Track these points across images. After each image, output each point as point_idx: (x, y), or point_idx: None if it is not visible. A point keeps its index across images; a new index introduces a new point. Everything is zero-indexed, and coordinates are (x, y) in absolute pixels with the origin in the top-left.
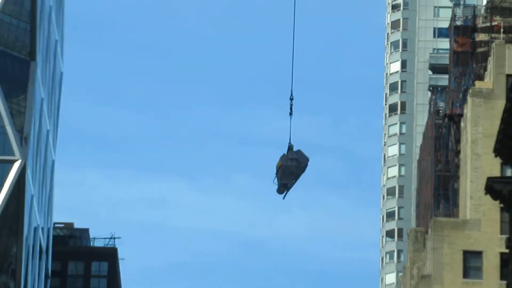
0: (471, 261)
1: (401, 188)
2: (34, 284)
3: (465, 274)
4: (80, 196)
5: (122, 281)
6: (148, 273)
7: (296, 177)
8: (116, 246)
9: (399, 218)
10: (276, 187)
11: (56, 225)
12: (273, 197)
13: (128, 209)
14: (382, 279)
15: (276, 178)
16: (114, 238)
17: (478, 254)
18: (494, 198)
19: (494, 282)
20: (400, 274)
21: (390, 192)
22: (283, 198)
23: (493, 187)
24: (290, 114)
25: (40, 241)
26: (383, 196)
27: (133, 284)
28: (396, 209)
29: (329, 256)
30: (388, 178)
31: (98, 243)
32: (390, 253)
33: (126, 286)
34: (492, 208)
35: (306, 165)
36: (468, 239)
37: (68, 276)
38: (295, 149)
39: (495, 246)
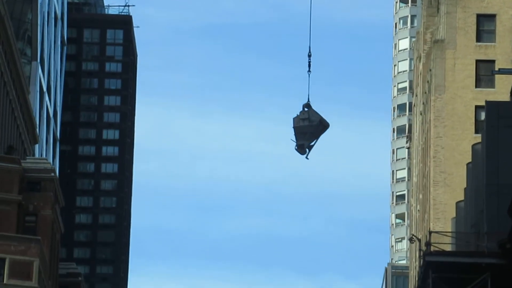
0: (485, 25)
1: None
2: (51, 51)
3: (478, 38)
4: None
5: (138, 49)
6: (165, 40)
7: (312, 135)
8: (131, 14)
9: None
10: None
11: None
12: None
13: None
14: (395, 45)
15: (295, 138)
16: (128, 6)
17: (492, 17)
18: None
19: (507, 45)
20: (413, 39)
21: None
22: (306, 157)
23: None
24: (309, 71)
25: (55, 7)
26: None
27: (150, 52)
28: None
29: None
30: None
31: (112, 11)
32: (404, 19)
33: (142, 54)
34: None
35: (319, 122)
36: (481, 2)
37: (83, 44)
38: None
39: (509, 9)
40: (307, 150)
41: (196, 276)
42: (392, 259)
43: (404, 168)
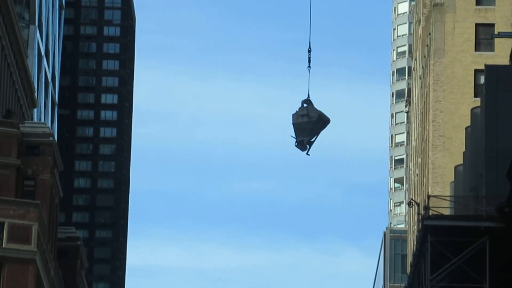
0: None
1: None
2: (49, 15)
3: (478, 1)
4: None
5: (136, 13)
6: (164, 4)
7: (312, 131)
8: None
9: None
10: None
11: None
12: None
13: None
14: (394, 9)
15: (294, 134)
16: None
17: None
18: None
19: (506, 8)
20: (413, 3)
21: None
22: (307, 153)
23: None
24: (309, 67)
25: None
26: None
27: (148, 16)
28: None
29: None
30: None
31: None
32: None
33: (141, 18)
34: None
35: (318, 118)
36: None
37: (81, 7)
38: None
39: None
40: (308, 146)
41: (195, 239)
42: (390, 223)
43: (403, 132)
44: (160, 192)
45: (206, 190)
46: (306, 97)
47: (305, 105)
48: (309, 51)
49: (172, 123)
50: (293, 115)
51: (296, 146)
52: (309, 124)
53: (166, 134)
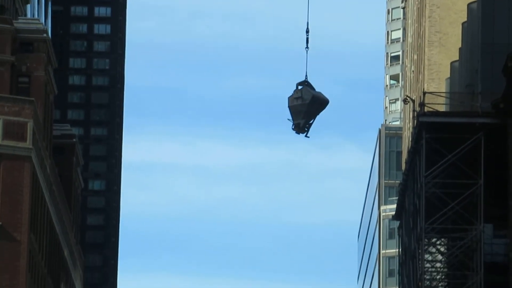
0: None
1: None
2: None
3: None
4: None
5: None
6: None
7: (307, 113)
8: None
9: None
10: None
11: None
12: None
13: None
14: None
15: (291, 117)
16: None
17: None
18: None
19: None
20: None
21: None
22: (306, 136)
23: None
24: (306, 48)
25: None
26: None
27: None
28: None
29: None
30: None
31: None
32: None
33: None
34: None
35: (311, 100)
36: None
37: None
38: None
39: None
40: (306, 129)
41: (192, 135)
42: (386, 120)
43: (399, 29)
44: (156, 88)
45: (203, 86)
46: (303, 77)
47: (300, 87)
48: (307, 32)
49: (168, 18)
50: (288, 98)
51: (292, 129)
52: (303, 107)
53: (161, 30)
